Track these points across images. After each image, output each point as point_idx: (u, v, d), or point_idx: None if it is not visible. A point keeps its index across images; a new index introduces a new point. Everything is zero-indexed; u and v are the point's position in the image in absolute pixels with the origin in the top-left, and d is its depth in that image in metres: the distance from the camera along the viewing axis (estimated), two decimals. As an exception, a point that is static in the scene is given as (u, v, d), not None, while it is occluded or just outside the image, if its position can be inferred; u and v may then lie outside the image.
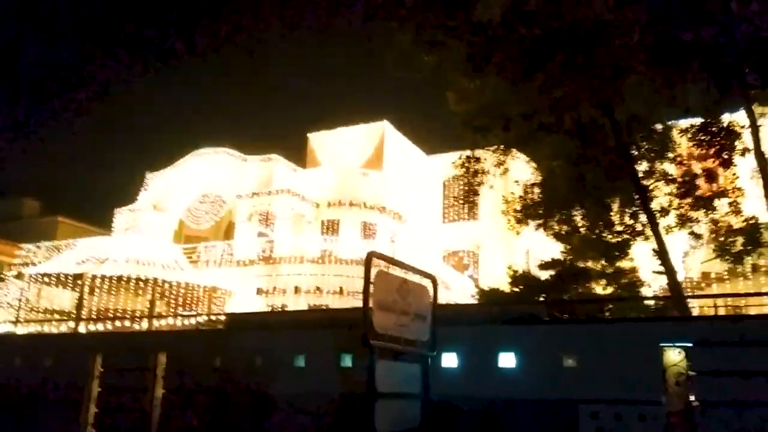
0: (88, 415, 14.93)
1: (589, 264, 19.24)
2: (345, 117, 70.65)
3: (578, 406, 10.44)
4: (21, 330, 25.72)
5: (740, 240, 13.15)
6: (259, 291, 28.03)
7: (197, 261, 30.36)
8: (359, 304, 29.76)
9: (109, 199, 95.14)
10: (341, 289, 27.36)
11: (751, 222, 13.19)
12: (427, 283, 10.36)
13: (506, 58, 13.71)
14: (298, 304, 27.07)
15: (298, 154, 37.94)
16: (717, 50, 11.95)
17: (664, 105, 13.92)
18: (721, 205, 13.26)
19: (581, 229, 16.06)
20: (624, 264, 19.41)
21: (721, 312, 17.66)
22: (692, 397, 10.01)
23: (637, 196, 13.59)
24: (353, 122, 38.88)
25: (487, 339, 11.57)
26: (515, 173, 16.45)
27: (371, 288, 8.42)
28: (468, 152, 43.09)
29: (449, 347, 11.67)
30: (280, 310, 25.88)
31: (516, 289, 20.69)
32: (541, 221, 16.76)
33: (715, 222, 13.38)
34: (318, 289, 27.35)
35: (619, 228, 14.07)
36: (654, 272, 14.37)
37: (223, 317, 16.78)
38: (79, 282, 25.50)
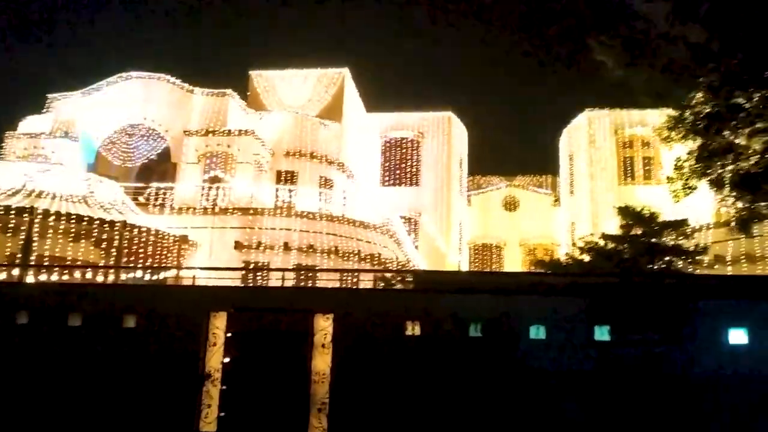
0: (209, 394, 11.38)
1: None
2: (282, 59, 64.98)
3: None
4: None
5: None
6: (238, 245, 24.15)
7: (147, 204, 25.38)
8: (350, 266, 26.33)
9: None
10: (336, 248, 24.58)
11: None
12: None
13: None
14: (286, 262, 23.81)
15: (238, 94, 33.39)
16: None
17: None
18: None
19: None
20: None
21: None
22: None
23: None
24: (295, 65, 35.29)
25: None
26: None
27: None
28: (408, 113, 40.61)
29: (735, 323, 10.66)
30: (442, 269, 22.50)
31: (585, 259, 20.22)
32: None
33: None
34: (311, 247, 24.26)
35: None
36: None
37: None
38: (25, 218, 19.75)
